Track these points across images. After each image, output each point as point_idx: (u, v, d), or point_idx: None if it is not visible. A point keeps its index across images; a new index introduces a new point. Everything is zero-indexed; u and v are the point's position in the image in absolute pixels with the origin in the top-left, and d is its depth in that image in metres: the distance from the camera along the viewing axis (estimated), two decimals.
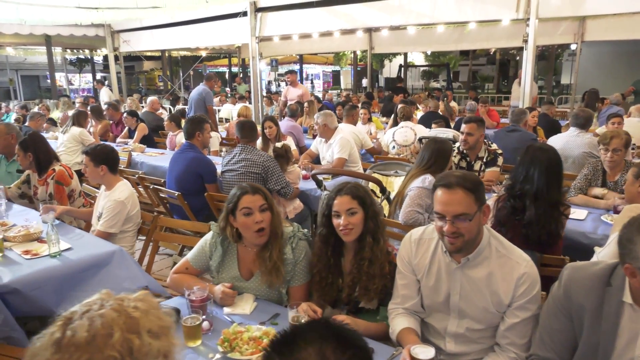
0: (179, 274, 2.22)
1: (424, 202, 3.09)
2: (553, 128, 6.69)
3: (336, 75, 39.24)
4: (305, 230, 2.26)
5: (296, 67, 31.77)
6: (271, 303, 2.12)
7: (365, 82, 19.33)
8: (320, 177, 3.83)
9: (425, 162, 3.30)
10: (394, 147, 5.85)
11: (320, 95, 14.18)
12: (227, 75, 29.18)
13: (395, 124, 6.74)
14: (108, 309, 0.90)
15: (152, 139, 6.95)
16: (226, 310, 2.02)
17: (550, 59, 17.96)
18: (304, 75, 23.61)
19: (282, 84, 30.18)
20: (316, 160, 5.20)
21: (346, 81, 37.90)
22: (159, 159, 5.71)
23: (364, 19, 8.34)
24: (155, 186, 4.14)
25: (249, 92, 15.91)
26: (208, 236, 2.26)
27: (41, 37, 11.17)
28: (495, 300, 1.73)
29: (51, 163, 3.63)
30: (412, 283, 1.89)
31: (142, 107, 9.95)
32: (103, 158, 3.18)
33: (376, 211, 2.05)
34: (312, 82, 32.63)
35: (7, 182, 4.02)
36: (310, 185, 4.20)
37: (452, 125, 7.39)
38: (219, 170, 4.09)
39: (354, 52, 16.88)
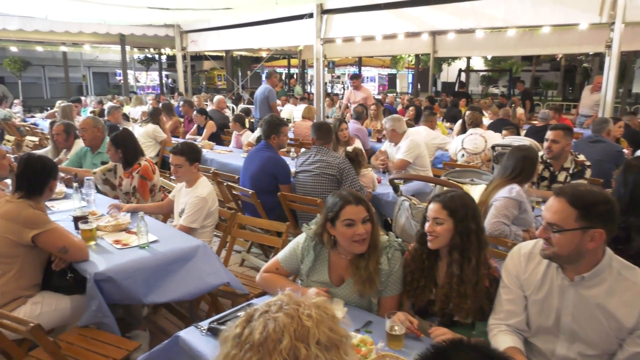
0: (269, 274, 2.21)
1: (510, 214, 2.95)
2: (636, 140, 6.26)
3: (392, 78, 38.87)
4: (400, 239, 2.19)
5: (353, 69, 31.74)
6: (361, 310, 2.07)
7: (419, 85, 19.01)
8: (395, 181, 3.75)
9: (510, 171, 3.15)
10: (462, 155, 5.67)
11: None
12: (283, 76, 29.68)
13: (463, 130, 6.55)
14: (283, 313, 0.88)
15: (219, 137, 7.12)
16: None
17: (627, 66, 16.89)
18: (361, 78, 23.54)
19: (338, 85, 30.26)
20: None
21: (402, 84, 37.44)
22: (228, 156, 5.82)
23: (432, 21, 8.17)
24: (229, 183, 4.21)
25: (308, 92, 16.05)
26: (300, 239, 2.22)
27: (116, 36, 11.74)
28: (614, 325, 1.60)
29: (138, 158, 3.77)
30: (519, 299, 1.78)
31: (206, 105, 10.24)
32: (196, 156, 3.29)
33: (469, 228, 1.93)
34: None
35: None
36: (381, 189, 4.13)
37: (523, 133, 7.09)
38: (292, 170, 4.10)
39: (416, 56, 16.60)
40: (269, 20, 10.26)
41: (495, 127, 6.87)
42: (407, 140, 4.65)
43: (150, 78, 29.73)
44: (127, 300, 2.49)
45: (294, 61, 22.67)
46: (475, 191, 3.73)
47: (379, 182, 4.26)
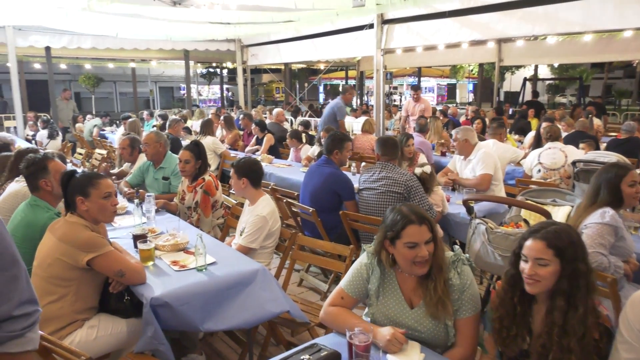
0: (334, 308, 1.99)
1: (606, 242, 2.57)
2: None
3: (451, 89, 37.86)
4: (467, 255, 1.95)
5: (410, 79, 31.19)
6: (438, 355, 1.81)
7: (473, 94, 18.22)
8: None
9: (599, 193, 2.77)
10: (539, 170, 5.22)
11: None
12: (340, 88, 29.68)
13: (537, 144, 6.07)
14: None
15: (278, 150, 7.04)
16: (390, 358, 1.75)
17: None
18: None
19: (395, 96, 29.81)
20: None
21: (462, 95, 36.35)
22: (287, 170, 5.70)
23: (500, 28, 7.71)
24: (289, 199, 4.06)
25: (367, 104, 15.82)
26: (362, 259, 2.03)
27: (180, 52, 12.12)
28: None
29: (205, 173, 3.71)
30: None
31: (265, 117, 10.28)
32: (245, 171, 3.15)
33: (579, 270, 1.63)
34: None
35: (153, 188, 4.21)
36: (450, 208, 3.81)
37: (602, 146, 6.48)
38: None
39: (480, 65, 15.96)
40: (328, 32, 10.19)
41: (572, 140, 6.33)
42: (480, 152, 4.30)
43: (212, 91, 30.71)
44: (183, 327, 2.36)
45: (351, 73, 22.59)
46: (559, 214, 3.35)
47: (448, 200, 3.95)
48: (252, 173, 3.17)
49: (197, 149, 3.79)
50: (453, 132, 4.62)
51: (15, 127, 10.01)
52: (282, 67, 17.00)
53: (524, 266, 1.68)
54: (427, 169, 3.78)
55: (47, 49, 10.04)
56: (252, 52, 12.79)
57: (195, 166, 3.76)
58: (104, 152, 7.38)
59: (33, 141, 8.82)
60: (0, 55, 12.58)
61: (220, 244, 3.04)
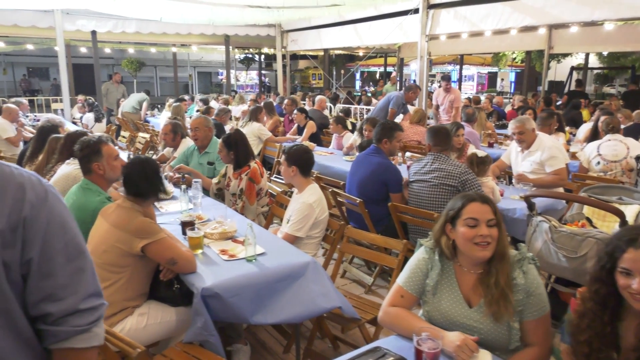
0: (395, 308, 1.86)
1: None
2: None
3: (492, 77, 36.65)
4: (531, 254, 1.81)
5: (450, 67, 30.34)
6: None
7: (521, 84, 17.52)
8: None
9: None
10: (598, 162, 4.91)
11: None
12: (377, 75, 29.17)
13: (594, 136, 5.72)
14: None
15: (319, 138, 6.94)
16: None
17: None
18: (459, 77, 22.30)
19: (435, 85, 29.10)
20: None
21: (504, 84, 35.16)
22: (329, 158, 5.59)
23: (555, 12, 7.28)
24: (334, 189, 3.95)
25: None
26: (420, 254, 1.91)
27: (221, 37, 12.11)
28: None
29: (248, 160, 3.65)
30: None
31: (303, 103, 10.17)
32: (296, 159, 3.06)
33: None
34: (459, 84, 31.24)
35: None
36: (505, 204, 3.61)
37: None
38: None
39: (527, 52, 15.30)
40: (371, 18, 9.94)
41: (631, 132, 5.94)
42: (547, 145, 4.02)
43: (249, 77, 30.84)
44: (232, 319, 2.29)
45: (390, 60, 22.15)
46: (628, 213, 3.11)
47: (502, 194, 3.74)
48: (302, 161, 3.08)
49: (227, 140, 3.71)
50: (512, 121, 4.37)
51: (62, 110, 10.29)
52: (320, 53, 16.84)
53: (629, 282, 1.46)
54: (482, 153, 3.59)
55: (93, 33, 10.22)
56: (292, 38, 12.66)
57: (229, 156, 3.72)
58: (147, 135, 7.46)
59: (80, 124, 9.02)
60: (49, 39, 12.95)
61: (269, 233, 2.96)
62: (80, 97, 10.48)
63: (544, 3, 7.20)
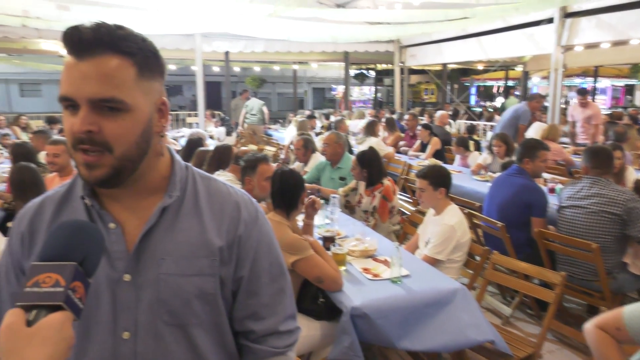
0: (604, 335, 1.51)
1: None
2: None
3: (628, 90, 32.87)
4: None
5: (578, 80, 27.79)
6: None
7: None
8: None
9: None
10: None
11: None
12: (494, 90, 27.67)
13: None
14: None
15: (444, 155, 6.70)
16: None
17: None
18: (592, 90, 20.30)
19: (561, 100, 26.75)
20: None
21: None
22: (457, 177, 5.33)
23: None
24: (470, 210, 3.74)
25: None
26: None
27: (341, 54, 12.39)
28: None
29: (381, 178, 3.63)
30: None
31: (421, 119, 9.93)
32: (442, 180, 2.95)
33: None
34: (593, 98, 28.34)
35: (327, 186, 4.24)
36: None
37: None
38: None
39: None
40: (496, 30, 9.45)
41: None
42: None
43: (361, 92, 31.16)
44: (378, 341, 2.24)
45: (512, 73, 20.92)
46: None
47: None
48: (448, 181, 2.97)
49: (362, 158, 3.74)
50: None
51: (197, 124, 11.24)
52: (436, 67, 16.44)
53: None
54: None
55: (226, 53, 11.07)
56: (410, 53, 12.53)
57: (362, 173, 3.70)
58: (272, 149, 7.82)
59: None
60: (185, 60, 14.29)
61: (411, 255, 2.88)
62: (207, 112, 11.38)
63: None
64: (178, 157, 1.02)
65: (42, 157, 4.16)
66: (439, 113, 8.24)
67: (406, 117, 7.72)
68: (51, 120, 9.08)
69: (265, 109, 10.32)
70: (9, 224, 3.29)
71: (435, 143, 6.54)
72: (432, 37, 11.22)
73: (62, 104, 0.84)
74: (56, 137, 4.03)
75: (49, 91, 26.71)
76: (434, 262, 2.86)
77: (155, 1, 7.47)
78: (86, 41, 0.81)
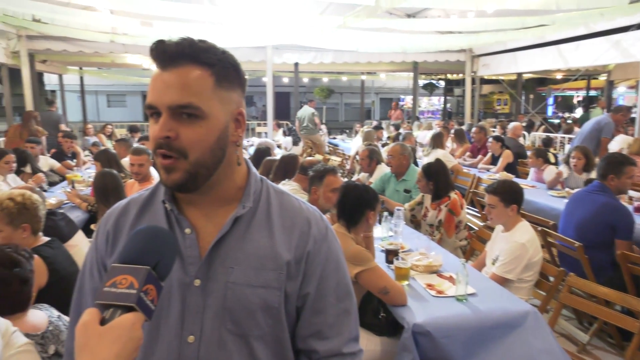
0: None
1: None
2: None
3: None
4: None
5: None
6: None
7: None
8: None
9: None
10: None
11: None
12: (574, 100, 26.03)
13: None
14: None
15: (516, 168, 6.40)
16: None
17: None
18: None
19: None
20: None
21: None
22: (532, 192, 5.06)
23: None
24: (544, 228, 3.54)
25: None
26: None
27: (410, 64, 12.24)
28: None
29: (448, 192, 3.53)
30: None
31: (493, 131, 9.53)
32: (514, 197, 2.82)
33: None
34: None
35: (393, 199, 4.18)
36: None
37: None
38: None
39: None
40: (578, 37, 8.91)
41: None
42: None
43: (430, 103, 30.59)
44: None
45: (595, 82, 19.64)
46: None
47: None
48: (520, 198, 2.84)
49: (428, 170, 3.67)
50: None
51: (265, 133, 11.57)
52: (511, 77, 15.78)
53: None
54: None
55: (296, 64, 11.31)
56: (483, 62, 12.12)
57: (427, 186, 3.62)
58: (338, 159, 7.86)
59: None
60: (256, 71, 14.77)
61: (478, 272, 2.76)
62: (274, 122, 11.65)
63: None
64: (254, 170, 1.04)
65: (124, 163, 4.46)
66: (512, 124, 7.88)
67: (473, 129, 7.46)
68: (132, 129, 9.75)
69: (316, 119, 10.38)
70: (92, 226, 3.57)
71: (507, 156, 6.26)
72: (507, 45, 10.78)
73: (148, 112, 0.91)
74: (137, 145, 4.31)
75: (133, 102, 28.72)
76: (502, 281, 2.73)
77: (231, 15, 7.81)
78: (169, 53, 0.87)
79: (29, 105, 9.29)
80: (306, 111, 10.35)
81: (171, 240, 0.83)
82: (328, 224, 1.05)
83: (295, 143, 9.36)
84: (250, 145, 8.62)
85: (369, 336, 2.37)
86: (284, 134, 9.98)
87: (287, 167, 3.87)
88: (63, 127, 8.51)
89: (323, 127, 12.28)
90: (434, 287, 2.44)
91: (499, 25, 7.79)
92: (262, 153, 4.96)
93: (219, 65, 0.91)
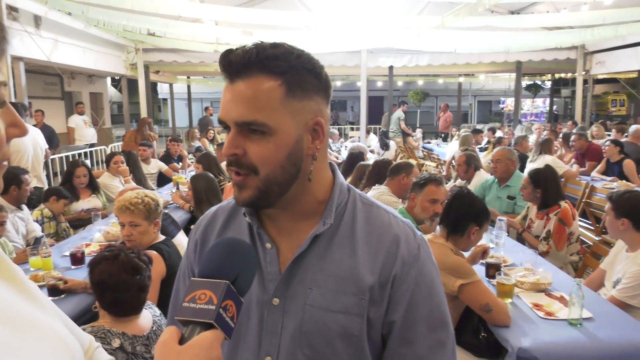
0: None
1: None
2: None
3: None
4: None
5: None
6: None
7: None
8: None
9: None
10: None
11: None
12: None
13: None
14: None
15: (637, 177, 5.69)
16: None
17: None
18: None
19: None
20: None
21: None
22: None
23: None
24: None
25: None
26: None
27: (512, 64, 11.52)
28: None
29: (558, 200, 3.22)
30: None
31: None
32: (628, 210, 2.47)
33: None
34: None
35: (493, 205, 3.93)
36: None
37: None
38: None
39: None
40: None
41: None
42: None
43: (534, 105, 28.64)
44: None
45: None
46: None
47: None
48: (636, 213, 2.48)
49: (535, 177, 3.36)
50: None
51: (359, 137, 11.55)
52: (632, 75, 14.18)
53: None
54: None
55: (390, 68, 11.16)
56: (597, 60, 11.04)
57: (534, 193, 3.32)
58: (433, 164, 7.60)
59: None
60: (350, 76, 14.82)
61: (595, 295, 2.46)
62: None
63: None
64: (341, 180, 0.96)
65: (225, 167, 4.68)
66: (634, 127, 7.03)
67: (572, 137, 6.70)
68: None
69: (402, 123, 10.08)
70: (192, 227, 3.78)
71: (630, 168, 5.57)
72: (627, 40, 9.70)
73: (221, 126, 0.87)
74: None
75: None
76: (623, 306, 2.40)
77: (327, 21, 7.90)
78: (235, 63, 0.81)
79: (144, 112, 10.19)
80: (394, 115, 10.13)
81: (251, 253, 0.79)
82: (422, 242, 0.93)
83: (385, 147, 9.21)
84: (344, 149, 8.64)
85: (467, 357, 2.21)
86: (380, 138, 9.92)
87: (380, 172, 3.77)
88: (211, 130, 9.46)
89: (418, 131, 11.98)
90: (542, 308, 2.21)
91: (617, 18, 7.03)
92: (355, 158, 4.91)
93: (291, 73, 0.82)
